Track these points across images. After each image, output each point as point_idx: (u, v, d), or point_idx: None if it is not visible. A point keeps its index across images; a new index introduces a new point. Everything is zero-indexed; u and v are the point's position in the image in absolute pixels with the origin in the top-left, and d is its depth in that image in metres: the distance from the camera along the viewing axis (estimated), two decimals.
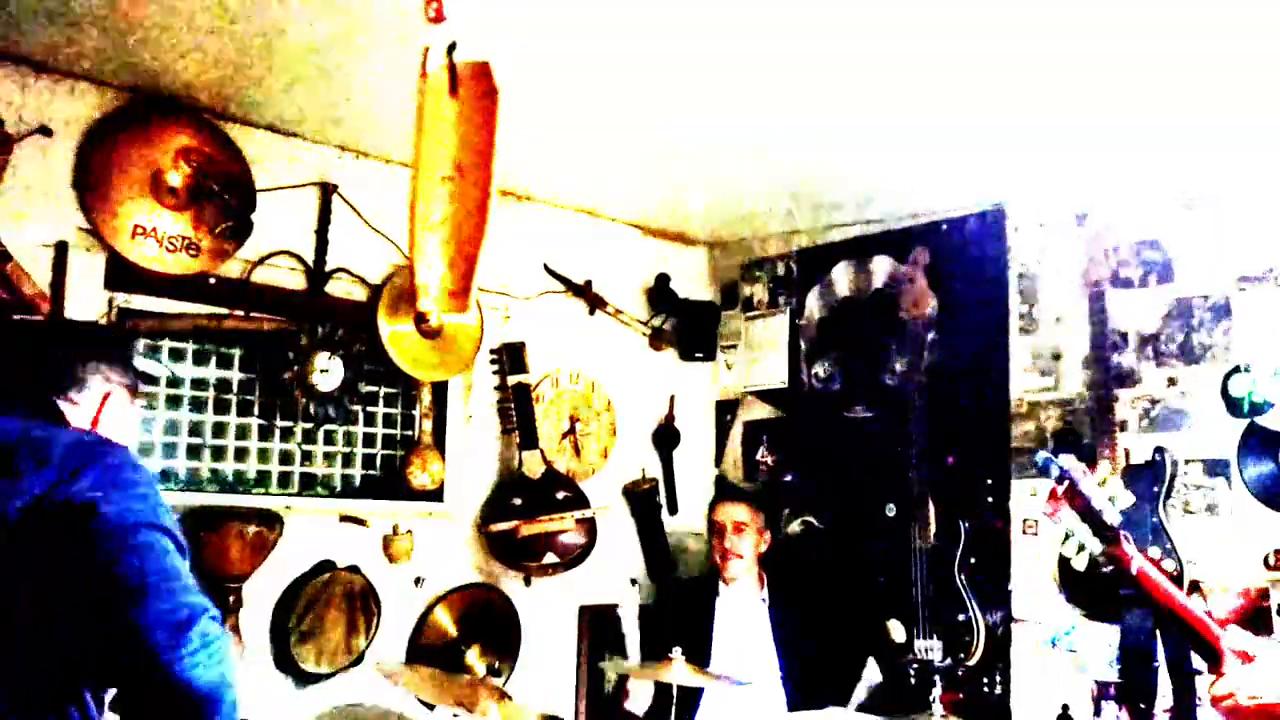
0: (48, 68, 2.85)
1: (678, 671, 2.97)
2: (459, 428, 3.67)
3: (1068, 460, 1.84)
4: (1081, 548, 1.79)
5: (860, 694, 3.50)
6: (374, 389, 3.56)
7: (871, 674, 3.54)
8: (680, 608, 3.74)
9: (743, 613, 3.59)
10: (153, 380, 3.11)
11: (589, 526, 3.73)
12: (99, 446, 1.49)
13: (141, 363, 3.07)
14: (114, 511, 1.40)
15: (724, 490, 4.20)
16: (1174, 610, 1.80)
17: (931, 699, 3.06)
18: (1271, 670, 1.72)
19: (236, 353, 3.29)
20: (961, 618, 3.48)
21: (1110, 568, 1.79)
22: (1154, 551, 3.04)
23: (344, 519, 3.36)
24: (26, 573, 1.38)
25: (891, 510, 3.70)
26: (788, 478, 4.13)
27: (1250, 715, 1.69)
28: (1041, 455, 1.89)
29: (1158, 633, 3.03)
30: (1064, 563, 3.27)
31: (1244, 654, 1.76)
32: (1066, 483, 1.81)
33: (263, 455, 3.32)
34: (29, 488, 1.39)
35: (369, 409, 3.56)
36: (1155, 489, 3.07)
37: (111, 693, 1.48)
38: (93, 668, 1.41)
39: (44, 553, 1.38)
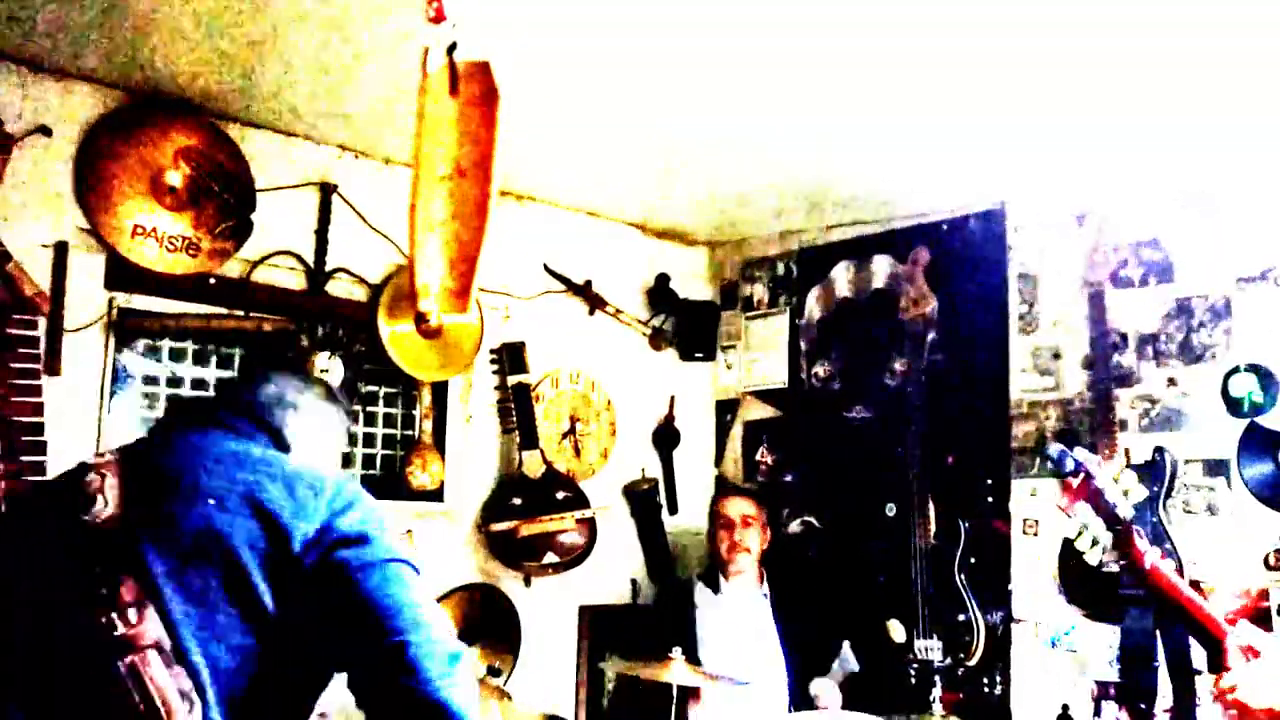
0: (48, 68, 2.85)
1: (677, 671, 2.96)
2: (459, 428, 3.68)
3: (1082, 453, 1.83)
4: (1095, 541, 1.79)
5: (834, 673, 3.48)
6: (374, 389, 3.57)
7: (848, 660, 3.54)
8: (677, 605, 3.73)
9: (744, 611, 3.59)
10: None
11: (589, 526, 3.73)
12: (359, 486, 1.59)
13: (137, 361, 3.07)
14: (381, 545, 1.50)
15: (727, 486, 4.21)
16: (1182, 605, 1.80)
17: (931, 699, 3.06)
18: (1277, 668, 1.72)
19: (236, 353, 3.29)
20: (961, 618, 3.48)
21: (1122, 562, 1.78)
22: (1154, 551, 3.04)
23: None
24: (303, 595, 1.46)
25: (891, 510, 3.70)
26: (788, 478, 4.13)
27: (1254, 714, 1.69)
28: (1055, 448, 1.88)
29: (1158, 633, 3.03)
30: (1064, 562, 3.27)
31: (1250, 649, 1.76)
32: (1081, 475, 1.80)
33: None
34: (312, 516, 1.48)
35: (369, 409, 3.56)
36: (1155, 489, 3.07)
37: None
38: (354, 690, 1.51)
39: (323, 577, 1.47)
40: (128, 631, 1.41)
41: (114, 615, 1.41)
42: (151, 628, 1.41)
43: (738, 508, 3.64)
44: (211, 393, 3.25)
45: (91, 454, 1.62)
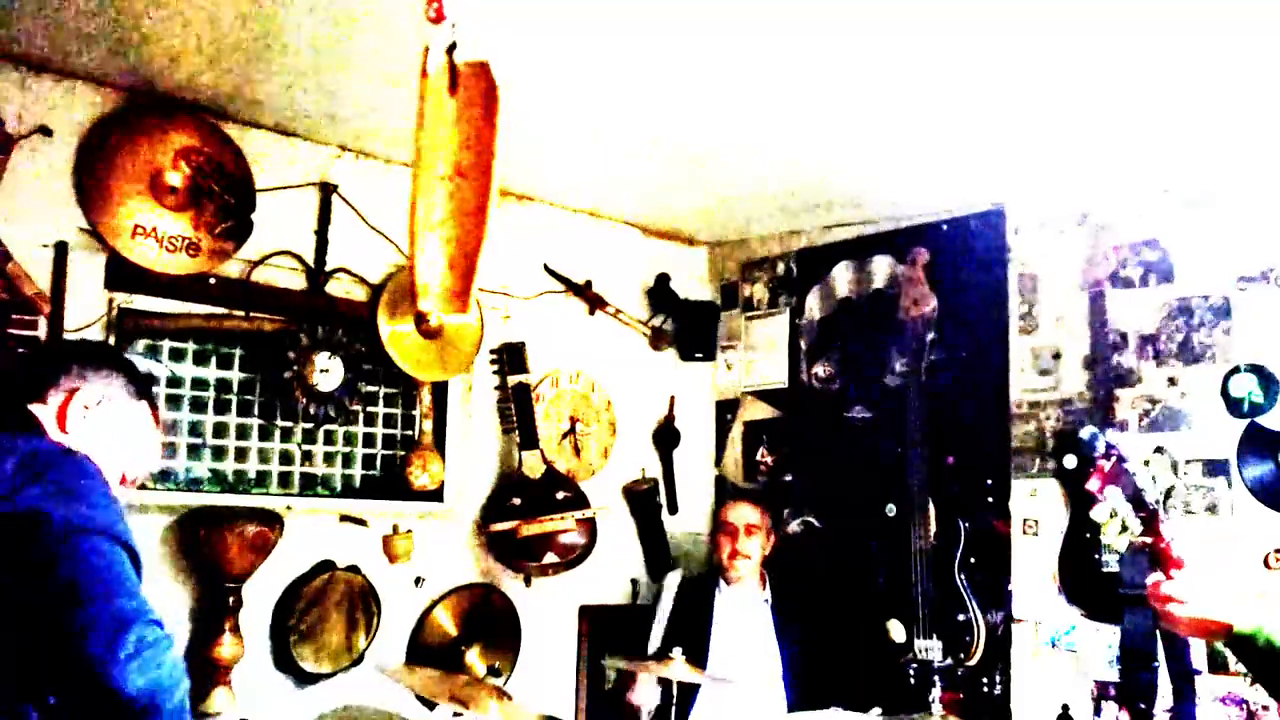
0: (48, 68, 2.85)
1: (677, 670, 2.97)
2: (459, 428, 3.68)
3: (1115, 436, 1.82)
4: (1125, 527, 1.77)
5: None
6: (374, 389, 3.57)
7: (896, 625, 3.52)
8: (680, 608, 3.73)
9: (745, 613, 3.59)
10: (153, 380, 3.11)
11: (589, 526, 3.73)
12: (55, 455, 1.50)
13: (143, 364, 3.07)
14: (59, 518, 1.41)
15: (732, 490, 4.20)
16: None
17: (931, 699, 3.06)
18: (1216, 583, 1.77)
19: (236, 353, 3.29)
20: (961, 618, 3.48)
21: (1147, 545, 1.78)
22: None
23: (344, 519, 3.36)
24: None
25: (891, 510, 3.69)
26: (788, 478, 4.13)
27: (1182, 615, 1.73)
28: (1088, 430, 1.86)
29: (1158, 633, 3.03)
30: (1064, 562, 3.28)
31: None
32: (1114, 458, 1.79)
33: (263, 455, 3.33)
34: None
35: (369, 409, 3.56)
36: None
37: None
38: (43, 674, 1.41)
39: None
40: None
41: None
42: None
43: (742, 515, 3.61)
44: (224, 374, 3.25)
45: None
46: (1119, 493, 1.80)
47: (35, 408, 1.67)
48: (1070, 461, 3.30)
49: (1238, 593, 1.74)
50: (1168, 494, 3.08)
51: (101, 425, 1.73)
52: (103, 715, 1.36)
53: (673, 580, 3.71)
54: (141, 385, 1.85)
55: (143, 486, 3.05)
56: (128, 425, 1.79)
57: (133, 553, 1.48)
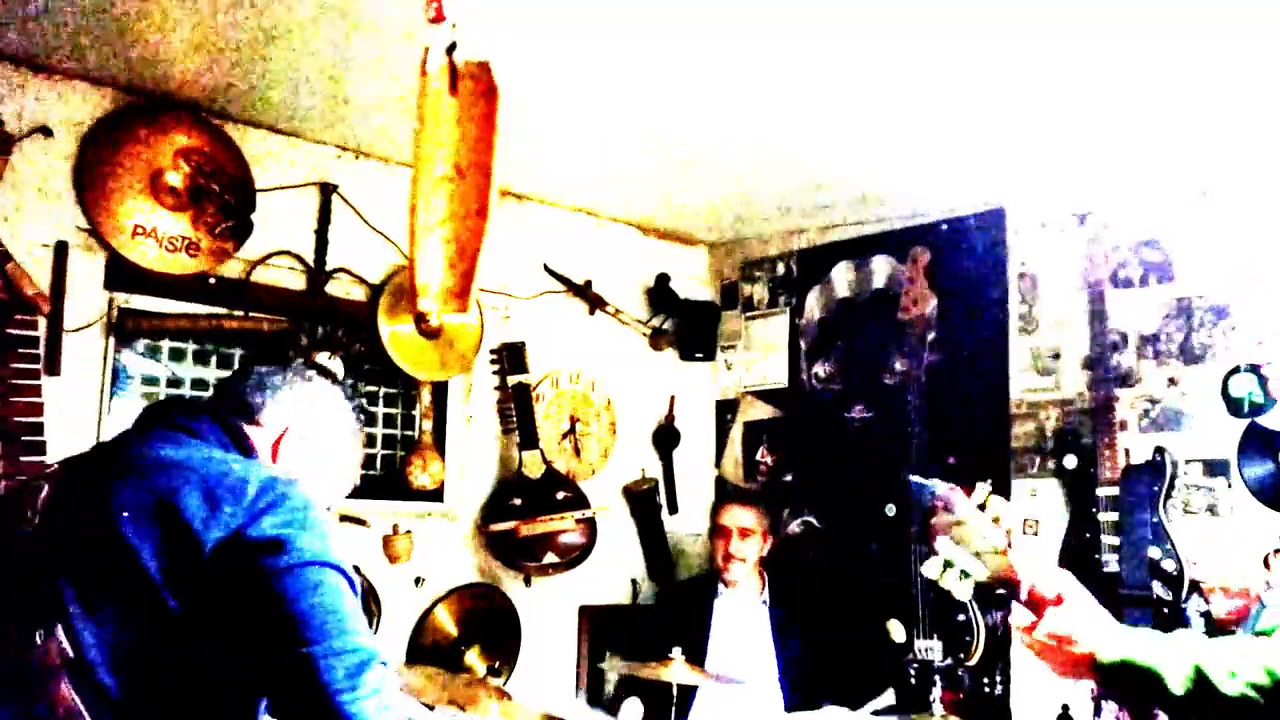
0: (48, 68, 2.85)
1: (676, 671, 2.96)
2: (459, 428, 3.68)
3: (941, 485, 1.78)
4: (965, 574, 1.73)
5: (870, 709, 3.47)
6: (374, 389, 3.57)
7: (886, 697, 3.51)
8: (680, 608, 3.73)
9: (743, 615, 3.59)
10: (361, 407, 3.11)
11: (589, 526, 3.73)
12: (289, 485, 1.52)
13: (137, 361, 3.07)
14: (297, 549, 1.43)
15: (729, 492, 4.20)
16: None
17: (931, 699, 3.06)
18: (1079, 611, 1.72)
19: (236, 353, 3.29)
20: (961, 618, 3.48)
21: (1002, 590, 1.74)
22: (1154, 552, 3.04)
23: (344, 519, 3.36)
24: (216, 604, 1.41)
25: (891, 510, 3.70)
26: (788, 478, 4.13)
27: (1049, 651, 1.68)
28: (916, 480, 1.82)
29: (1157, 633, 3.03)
30: (1064, 563, 3.27)
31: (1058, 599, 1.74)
32: (943, 506, 1.75)
33: None
34: (228, 523, 1.42)
35: (369, 409, 3.56)
36: (1155, 489, 3.07)
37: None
38: (265, 695, 1.46)
39: (234, 586, 1.41)
40: (35, 654, 1.37)
41: (29, 636, 1.38)
42: (57, 647, 1.38)
43: (736, 518, 3.59)
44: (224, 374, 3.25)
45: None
46: (950, 542, 1.75)
47: (251, 430, 1.65)
48: (1070, 461, 3.29)
49: (1100, 622, 1.68)
50: (1168, 494, 3.07)
51: (310, 458, 1.73)
52: None
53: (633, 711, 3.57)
54: (355, 413, 1.83)
55: None
56: (334, 458, 1.79)
57: (353, 585, 1.51)
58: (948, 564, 1.74)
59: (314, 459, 1.74)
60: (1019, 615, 1.72)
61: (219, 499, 1.44)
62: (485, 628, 3.60)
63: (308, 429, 1.72)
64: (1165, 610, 3.01)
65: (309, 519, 1.49)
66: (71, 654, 1.38)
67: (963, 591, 1.75)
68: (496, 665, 3.43)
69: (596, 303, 4.07)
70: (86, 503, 1.46)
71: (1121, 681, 1.62)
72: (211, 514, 1.42)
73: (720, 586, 3.62)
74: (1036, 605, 1.70)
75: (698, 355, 4.38)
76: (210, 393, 1.83)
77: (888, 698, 3.39)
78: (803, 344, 4.16)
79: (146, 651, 1.41)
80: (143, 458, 1.51)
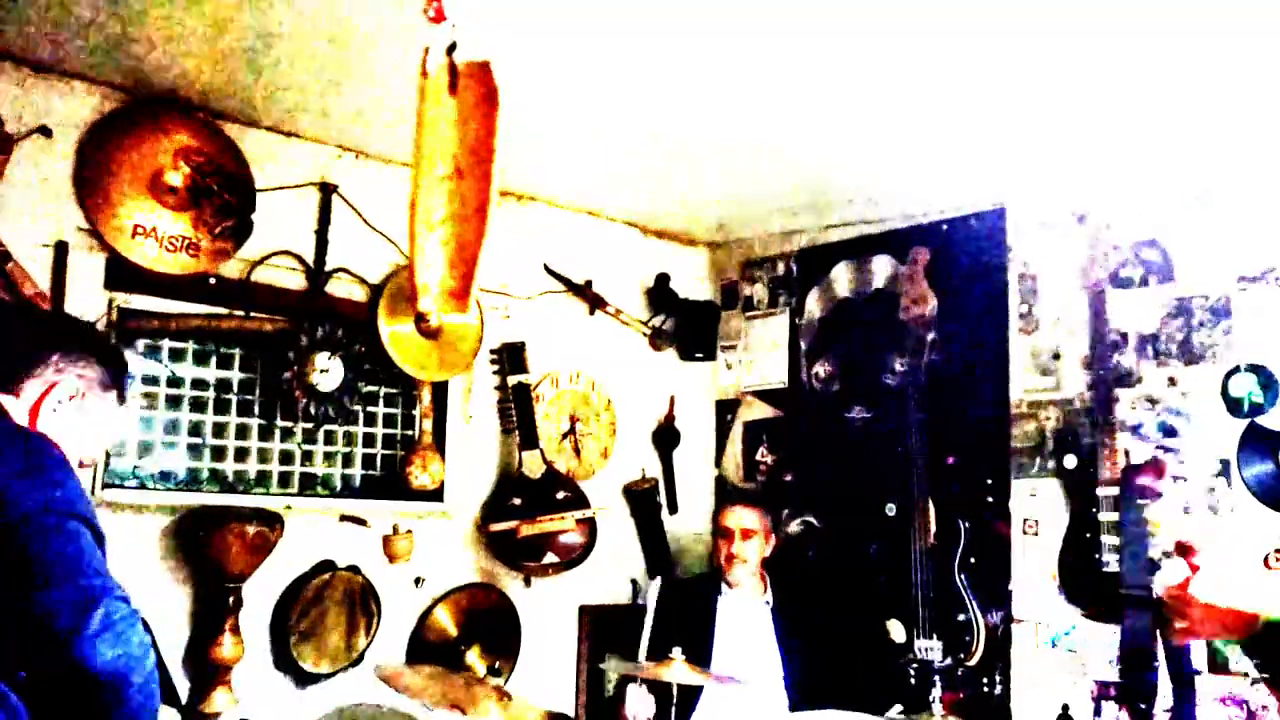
0: (48, 68, 2.85)
1: (677, 671, 2.96)
2: (459, 428, 3.68)
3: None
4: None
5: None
6: (374, 389, 3.57)
7: (893, 713, 3.50)
8: (681, 608, 3.73)
9: (745, 615, 3.58)
10: (153, 379, 3.11)
11: (589, 526, 3.73)
12: (15, 435, 1.51)
13: (137, 361, 3.07)
14: (22, 498, 1.42)
15: (731, 493, 4.19)
16: None
17: (931, 699, 3.06)
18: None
19: (236, 353, 3.29)
20: (961, 618, 3.49)
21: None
22: (1154, 551, 3.05)
23: (344, 519, 3.36)
24: None
25: (891, 510, 3.70)
26: (788, 478, 4.13)
27: (1203, 609, 1.70)
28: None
29: (1157, 633, 3.04)
30: (1064, 562, 3.28)
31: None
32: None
33: (263, 455, 3.33)
34: None
35: (369, 409, 3.56)
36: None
37: None
38: (11, 651, 1.41)
39: None
40: None
41: None
42: None
43: (738, 519, 3.57)
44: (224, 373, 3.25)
45: None
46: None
47: (5, 399, 1.64)
48: (1070, 461, 3.30)
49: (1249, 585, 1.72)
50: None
51: (71, 418, 1.71)
52: (73, 690, 1.36)
53: (653, 587, 3.66)
54: (116, 370, 1.82)
55: (142, 486, 3.07)
56: (97, 416, 1.77)
57: (96, 531, 1.49)
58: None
59: (73, 418, 1.72)
60: (1171, 572, 1.77)
61: None
62: (485, 628, 3.60)
63: (64, 390, 1.71)
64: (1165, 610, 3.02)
65: (36, 465, 1.47)
66: None
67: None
68: (496, 665, 3.43)
69: (596, 303, 4.07)
70: None
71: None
72: None
73: (724, 586, 3.61)
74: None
75: (698, 355, 4.38)
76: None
77: (893, 713, 3.38)
78: (803, 344, 4.16)
79: None
80: None
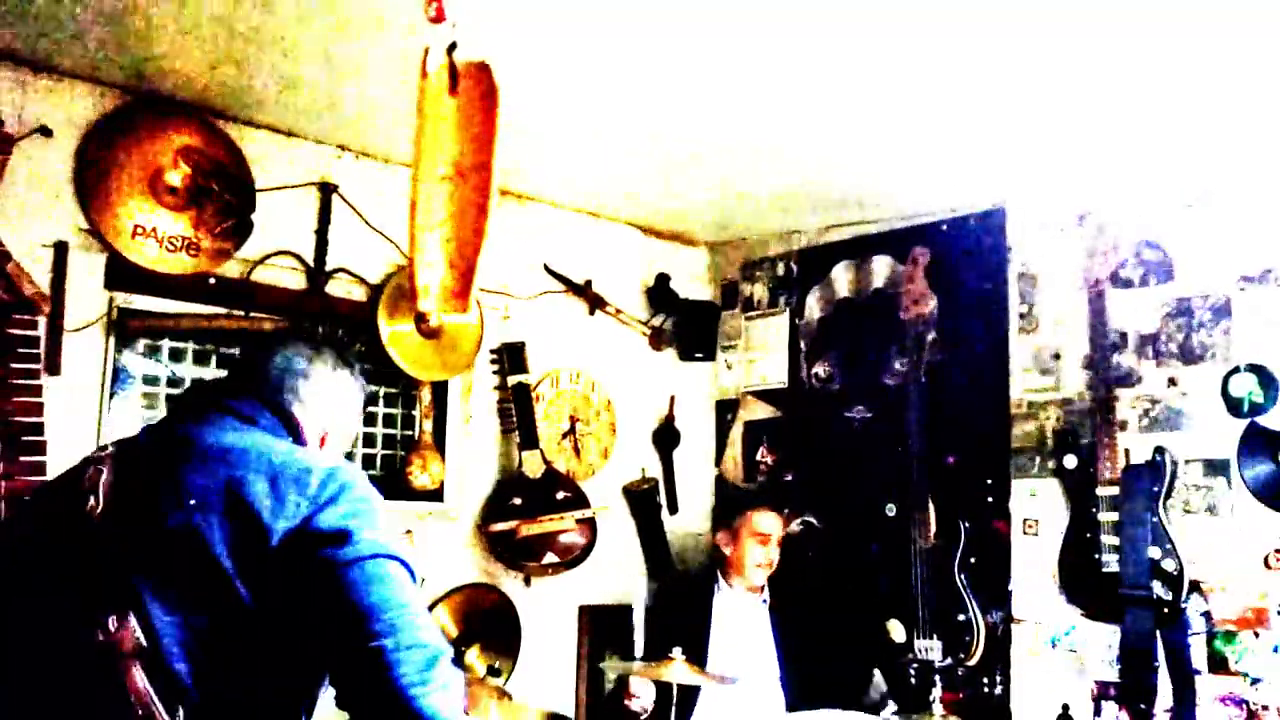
0: (48, 68, 2.85)
1: (677, 671, 2.96)
2: (459, 428, 3.68)
3: None
4: None
5: (871, 699, 3.48)
6: (374, 389, 3.56)
7: (879, 683, 3.52)
8: (680, 608, 3.73)
9: (743, 614, 3.59)
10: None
11: (589, 526, 3.73)
12: (350, 476, 1.51)
13: (137, 361, 3.07)
14: (364, 540, 1.43)
15: (750, 495, 4.16)
16: None
17: (931, 699, 3.06)
18: None
19: (236, 353, 3.29)
20: (961, 618, 3.48)
21: None
22: (1154, 551, 3.04)
23: None
24: (283, 595, 1.41)
25: (891, 510, 3.70)
26: (788, 478, 4.13)
27: None
28: None
29: (1158, 633, 3.04)
30: (1064, 562, 3.28)
31: None
32: None
33: None
34: (294, 513, 1.42)
35: (369, 409, 3.56)
36: (1155, 489, 3.07)
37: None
38: (335, 688, 1.44)
39: (301, 577, 1.41)
40: (108, 640, 1.37)
41: (96, 621, 1.38)
42: (131, 635, 1.38)
43: (774, 525, 3.57)
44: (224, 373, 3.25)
45: (95, 448, 1.60)
46: None
47: (300, 415, 1.65)
48: (1070, 461, 3.29)
49: None
50: (1168, 494, 3.08)
51: (340, 447, 1.74)
52: None
53: (647, 588, 3.64)
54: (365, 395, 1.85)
55: None
56: (348, 444, 1.81)
57: (413, 575, 1.50)
58: None
59: (341, 447, 1.76)
60: None
61: (284, 488, 1.44)
62: (485, 628, 3.60)
63: (344, 420, 1.74)
64: (1165, 610, 3.02)
65: (370, 511, 1.48)
66: (145, 643, 1.38)
67: None
68: (496, 665, 3.43)
69: (596, 303, 4.07)
70: (154, 488, 1.46)
71: None
72: (278, 503, 1.42)
73: (721, 584, 3.61)
74: None
75: (698, 355, 4.38)
76: (228, 374, 1.80)
77: (879, 684, 3.40)
78: (803, 344, 4.16)
79: (218, 640, 1.41)
80: (207, 444, 1.50)
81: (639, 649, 3.43)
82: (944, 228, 3.76)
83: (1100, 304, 3.27)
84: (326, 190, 3.36)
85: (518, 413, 3.69)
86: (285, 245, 3.27)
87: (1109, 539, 3.11)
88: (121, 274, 2.96)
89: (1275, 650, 2.92)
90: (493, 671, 3.38)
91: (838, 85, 2.77)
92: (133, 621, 1.39)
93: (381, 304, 3.40)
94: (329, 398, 1.70)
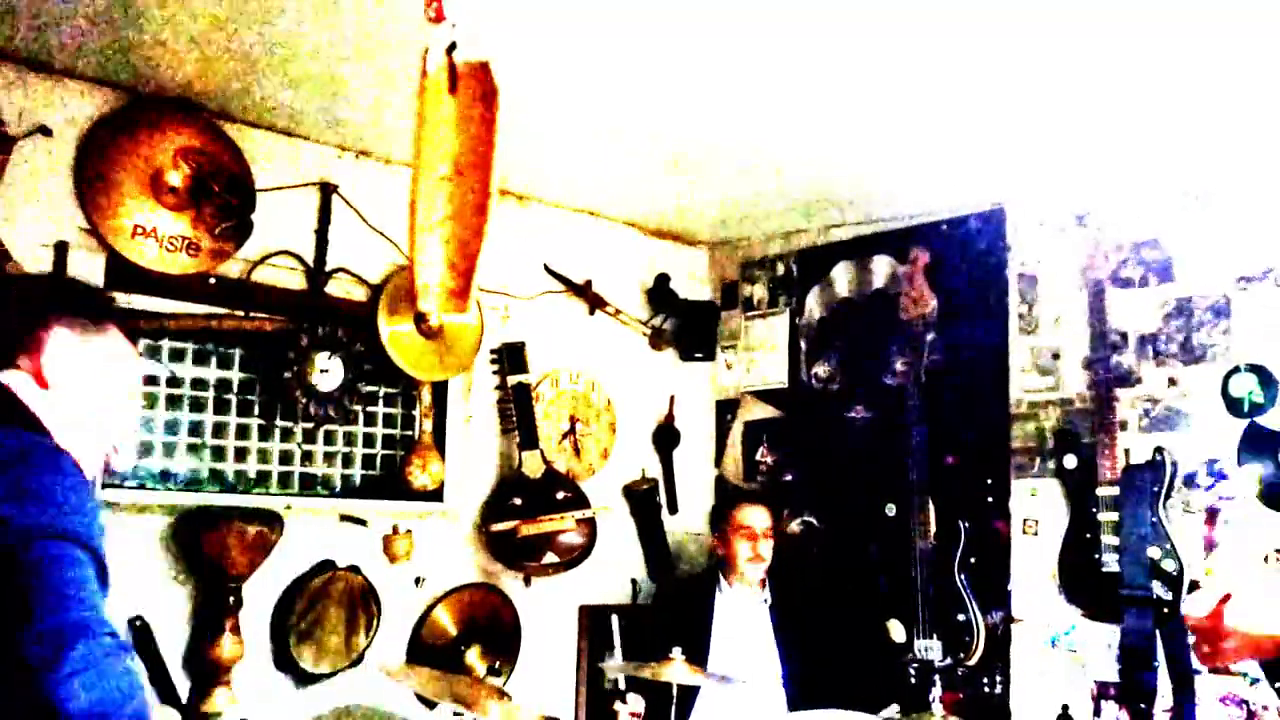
0: (48, 68, 2.85)
1: (677, 671, 2.96)
2: (459, 428, 3.68)
3: None
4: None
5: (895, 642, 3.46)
6: (374, 389, 3.57)
7: (890, 711, 3.50)
8: (680, 608, 3.73)
9: (743, 614, 3.59)
10: (153, 379, 3.11)
11: (589, 526, 3.73)
12: (21, 449, 1.39)
13: (152, 365, 3.06)
14: (18, 523, 1.31)
15: (730, 492, 4.19)
16: None
17: (931, 699, 3.06)
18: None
19: (236, 353, 3.29)
20: (961, 618, 3.49)
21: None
22: (1154, 551, 3.05)
23: (344, 519, 3.36)
24: None
25: (891, 510, 3.70)
26: (788, 478, 4.13)
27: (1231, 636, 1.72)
28: None
29: (1157, 633, 3.04)
30: (1064, 562, 3.28)
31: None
32: None
33: (263, 455, 3.33)
34: None
35: (369, 409, 3.56)
36: (1155, 489, 3.08)
37: None
38: None
39: None
40: None
41: None
42: None
43: (760, 519, 3.57)
44: (225, 373, 3.25)
45: None
46: None
47: (9, 376, 1.49)
48: (1070, 461, 3.30)
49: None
50: (1168, 494, 3.08)
51: (86, 375, 1.54)
52: None
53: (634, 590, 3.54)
54: (95, 311, 1.62)
55: (142, 486, 3.06)
56: (115, 383, 1.59)
57: (99, 559, 1.37)
58: None
59: (88, 376, 1.56)
60: (1194, 605, 1.78)
61: None
62: (485, 628, 3.60)
63: (63, 334, 1.54)
64: (1165, 610, 3.02)
65: (42, 485, 1.35)
66: None
67: None
68: (496, 665, 3.43)
69: (596, 303, 4.07)
70: None
71: None
72: None
73: (722, 584, 3.61)
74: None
75: (697, 355, 4.38)
76: None
77: (891, 711, 3.38)
78: (803, 344, 4.16)
79: None
80: None
81: (618, 653, 3.39)
82: (944, 228, 3.76)
83: (1100, 304, 3.27)
84: (326, 190, 3.36)
85: (518, 413, 3.69)
86: (285, 245, 3.27)
87: (1109, 539, 3.11)
88: (121, 274, 2.96)
89: None
90: (493, 671, 3.38)
91: (838, 86, 2.77)
92: None
93: (381, 304, 3.40)
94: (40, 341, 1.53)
